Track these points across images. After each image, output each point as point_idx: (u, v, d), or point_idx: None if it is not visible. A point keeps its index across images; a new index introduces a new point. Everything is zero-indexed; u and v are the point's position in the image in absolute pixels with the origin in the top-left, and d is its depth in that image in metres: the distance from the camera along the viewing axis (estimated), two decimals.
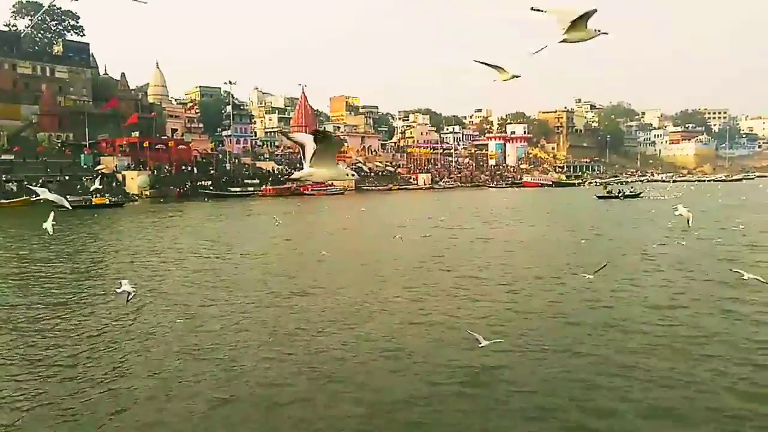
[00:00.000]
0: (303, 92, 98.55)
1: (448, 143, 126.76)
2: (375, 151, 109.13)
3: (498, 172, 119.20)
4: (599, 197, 56.01)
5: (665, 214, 30.27)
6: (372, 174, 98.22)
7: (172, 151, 74.68)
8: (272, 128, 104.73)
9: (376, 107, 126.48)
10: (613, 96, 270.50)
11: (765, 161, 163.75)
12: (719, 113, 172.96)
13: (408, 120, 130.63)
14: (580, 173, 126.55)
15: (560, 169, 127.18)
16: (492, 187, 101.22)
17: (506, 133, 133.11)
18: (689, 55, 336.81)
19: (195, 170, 75.23)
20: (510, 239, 24.31)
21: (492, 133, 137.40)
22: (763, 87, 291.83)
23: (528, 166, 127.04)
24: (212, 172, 76.68)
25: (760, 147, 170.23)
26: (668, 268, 16.51)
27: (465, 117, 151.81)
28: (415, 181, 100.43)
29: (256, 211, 47.76)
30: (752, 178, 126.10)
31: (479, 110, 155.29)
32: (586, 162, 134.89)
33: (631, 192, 59.81)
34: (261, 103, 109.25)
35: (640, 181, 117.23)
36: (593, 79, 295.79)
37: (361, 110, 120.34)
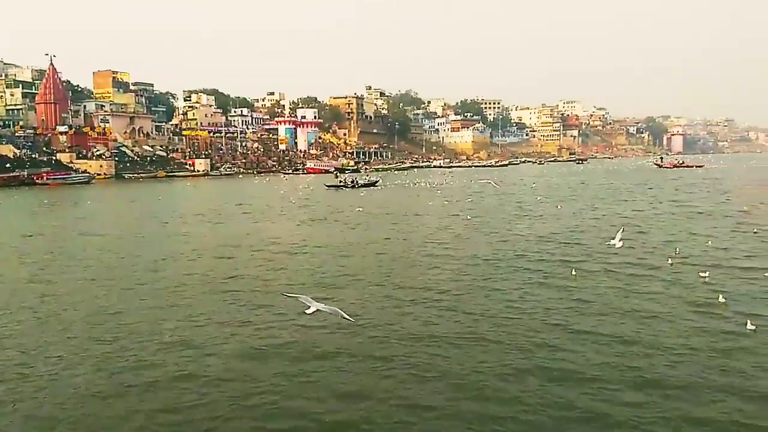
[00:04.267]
0: (51, 63, 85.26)
1: (235, 126, 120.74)
2: (147, 133, 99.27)
3: (287, 158, 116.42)
4: (328, 186, 53.02)
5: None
6: (138, 159, 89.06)
7: None
8: (15, 105, 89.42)
9: (152, 84, 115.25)
10: (402, 84, 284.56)
11: (531, 148, 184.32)
12: (494, 103, 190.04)
13: (191, 100, 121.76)
14: (369, 159, 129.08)
15: (350, 155, 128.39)
16: (288, 173, 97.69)
17: (297, 117, 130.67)
18: (472, 50, 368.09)
19: None
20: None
21: (283, 117, 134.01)
22: (531, 81, 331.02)
23: (318, 151, 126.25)
24: None
25: (527, 135, 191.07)
26: None
27: (256, 100, 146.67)
28: (192, 167, 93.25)
29: None
30: (518, 164, 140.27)
31: (271, 93, 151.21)
32: (376, 148, 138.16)
33: (367, 180, 58.31)
34: (2, 76, 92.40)
35: (422, 166, 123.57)
36: (383, 67, 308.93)
37: (132, 87, 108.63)
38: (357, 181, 55.28)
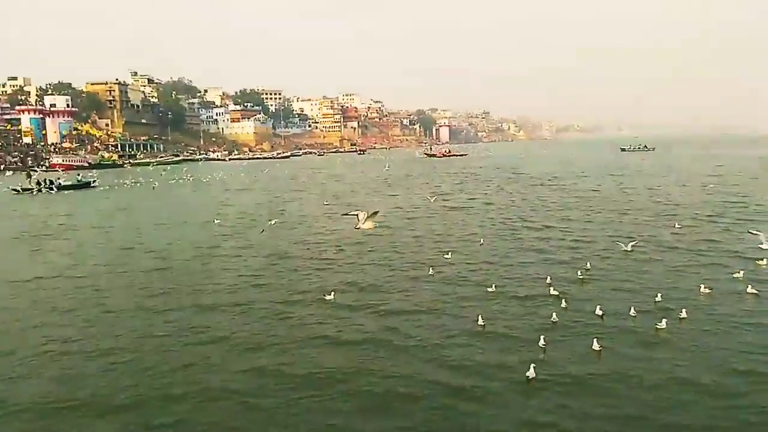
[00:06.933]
0: None
1: None
2: None
3: (32, 153, 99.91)
4: (17, 191, 44.91)
5: None
6: None
7: None
8: None
9: None
10: (173, 72, 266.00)
11: (314, 139, 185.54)
12: (274, 94, 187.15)
13: None
14: (137, 152, 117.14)
15: (114, 148, 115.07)
16: (34, 170, 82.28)
17: (45, 105, 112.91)
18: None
19: None
20: None
21: (28, 105, 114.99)
22: (311, 74, 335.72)
23: (74, 144, 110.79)
24: None
25: (310, 126, 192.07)
26: None
27: None
28: None
29: None
30: (300, 156, 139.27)
31: (14, 78, 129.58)
32: (145, 140, 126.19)
33: (75, 181, 50.50)
34: None
35: (198, 159, 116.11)
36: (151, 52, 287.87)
37: None
38: (59, 183, 47.23)
